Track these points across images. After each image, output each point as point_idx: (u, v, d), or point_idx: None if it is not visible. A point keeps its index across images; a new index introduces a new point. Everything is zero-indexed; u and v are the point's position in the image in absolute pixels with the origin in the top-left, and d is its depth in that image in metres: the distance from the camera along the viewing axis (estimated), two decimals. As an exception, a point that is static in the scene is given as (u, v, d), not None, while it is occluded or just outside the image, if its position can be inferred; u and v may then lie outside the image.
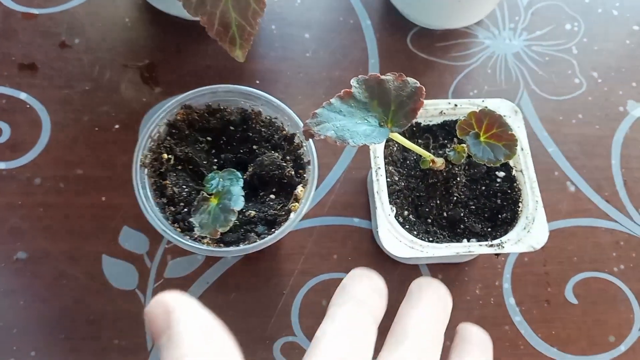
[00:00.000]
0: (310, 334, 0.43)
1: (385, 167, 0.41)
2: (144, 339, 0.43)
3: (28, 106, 0.49)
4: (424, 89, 0.35)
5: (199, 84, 0.51)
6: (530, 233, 0.38)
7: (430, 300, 0.23)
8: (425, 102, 0.42)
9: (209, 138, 0.39)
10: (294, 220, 0.35)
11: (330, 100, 0.36)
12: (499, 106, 0.43)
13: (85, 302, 0.43)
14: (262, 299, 0.44)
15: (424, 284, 0.24)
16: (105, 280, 0.44)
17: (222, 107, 0.40)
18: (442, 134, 0.44)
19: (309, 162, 0.37)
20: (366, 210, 0.47)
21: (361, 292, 0.22)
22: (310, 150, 0.37)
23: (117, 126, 0.49)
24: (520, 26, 0.56)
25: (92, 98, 0.50)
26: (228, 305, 0.44)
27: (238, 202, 0.33)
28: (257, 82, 0.52)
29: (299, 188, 0.36)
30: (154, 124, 0.37)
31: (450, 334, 0.25)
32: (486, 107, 0.42)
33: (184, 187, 0.36)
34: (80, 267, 0.44)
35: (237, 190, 0.33)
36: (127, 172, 0.43)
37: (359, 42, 0.54)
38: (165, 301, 0.20)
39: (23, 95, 0.49)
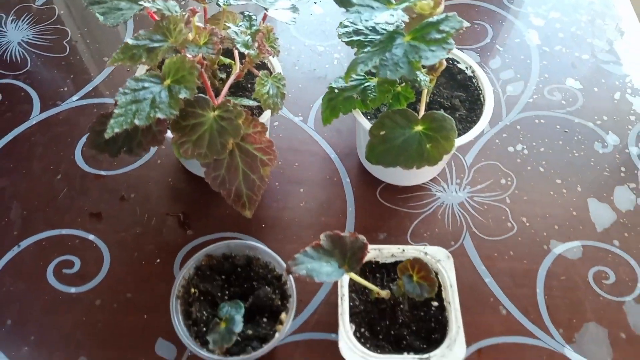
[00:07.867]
0: None
1: (350, 294, 0.56)
2: None
3: (94, 245, 0.67)
4: (368, 245, 0.51)
5: (220, 228, 0.69)
6: (452, 351, 0.52)
7: None
8: (381, 247, 0.59)
9: (223, 277, 0.55)
10: (278, 339, 0.50)
11: (306, 248, 0.52)
12: (437, 252, 0.59)
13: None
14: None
15: None
16: (143, 380, 0.58)
17: (233, 255, 0.56)
18: (393, 270, 0.59)
19: (290, 296, 0.53)
20: (342, 327, 0.61)
21: None
22: (291, 286, 0.53)
23: (158, 260, 0.66)
24: (465, 182, 0.73)
25: (142, 239, 0.68)
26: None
27: (238, 326, 0.48)
28: (263, 226, 0.69)
29: (283, 314, 0.52)
30: (187, 268, 0.54)
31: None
32: (426, 252, 0.58)
33: (204, 312, 0.52)
34: (125, 370, 0.59)
35: (239, 318, 0.49)
36: (164, 297, 0.59)
37: (340, 195, 0.72)
38: None
39: (91, 237, 0.68)
